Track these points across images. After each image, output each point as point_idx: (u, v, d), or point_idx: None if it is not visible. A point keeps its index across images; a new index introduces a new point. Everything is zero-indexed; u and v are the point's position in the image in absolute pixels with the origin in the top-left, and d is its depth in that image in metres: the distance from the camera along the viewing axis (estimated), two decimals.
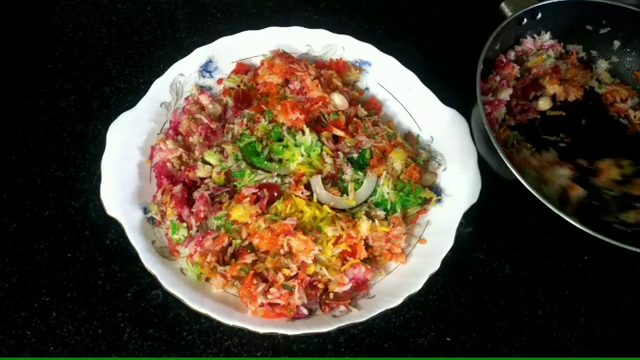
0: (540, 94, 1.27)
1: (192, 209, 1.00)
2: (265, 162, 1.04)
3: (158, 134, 1.09)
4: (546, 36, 1.31)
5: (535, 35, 1.30)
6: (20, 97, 1.22)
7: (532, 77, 1.28)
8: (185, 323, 0.98)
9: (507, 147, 1.17)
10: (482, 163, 1.06)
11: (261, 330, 0.87)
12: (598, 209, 1.07)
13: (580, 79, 1.29)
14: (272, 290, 0.91)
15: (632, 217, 1.07)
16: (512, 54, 1.28)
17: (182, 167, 1.05)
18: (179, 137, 1.10)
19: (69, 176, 1.13)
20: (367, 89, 1.22)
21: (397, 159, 1.06)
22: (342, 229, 0.98)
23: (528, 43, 1.29)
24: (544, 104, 1.25)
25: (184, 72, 1.14)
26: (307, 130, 1.06)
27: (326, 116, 1.11)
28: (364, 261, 0.98)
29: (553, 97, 1.27)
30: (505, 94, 1.21)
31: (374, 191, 1.05)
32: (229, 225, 0.97)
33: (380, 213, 1.03)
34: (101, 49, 1.32)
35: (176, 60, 1.14)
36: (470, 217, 1.03)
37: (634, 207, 1.08)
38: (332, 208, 1.01)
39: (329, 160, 1.05)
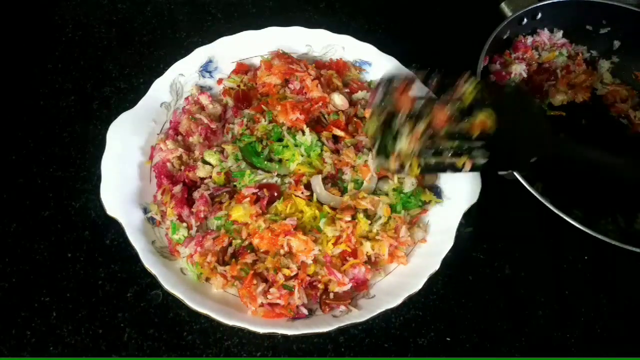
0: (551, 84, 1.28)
1: (192, 209, 1.00)
2: (265, 162, 1.04)
3: (158, 134, 1.09)
4: (559, 34, 1.31)
5: (550, 31, 1.31)
6: (20, 97, 1.22)
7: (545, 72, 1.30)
8: (185, 323, 0.98)
9: None
10: None
11: (261, 330, 0.87)
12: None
13: (588, 81, 1.29)
14: (272, 290, 0.91)
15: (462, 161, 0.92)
16: (529, 40, 1.29)
17: (182, 167, 1.05)
18: (179, 137, 1.10)
19: (69, 176, 1.13)
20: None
21: None
22: (342, 229, 0.98)
23: (544, 35, 1.30)
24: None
25: (184, 72, 1.14)
26: (307, 130, 1.05)
27: (326, 116, 1.11)
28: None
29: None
30: (517, 68, 1.22)
31: (374, 192, 1.05)
32: (229, 225, 0.97)
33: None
34: (101, 49, 1.32)
35: (176, 60, 1.14)
36: (470, 217, 1.03)
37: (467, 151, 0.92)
38: (332, 208, 1.01)
39: (329, 160, 1.05)
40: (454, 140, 0.89)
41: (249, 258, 0.94)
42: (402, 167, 0.92)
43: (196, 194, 1.02)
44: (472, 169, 0.90)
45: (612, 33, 1.29)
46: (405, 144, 0.90)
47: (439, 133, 0.89)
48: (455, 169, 0.90)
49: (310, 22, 1.29)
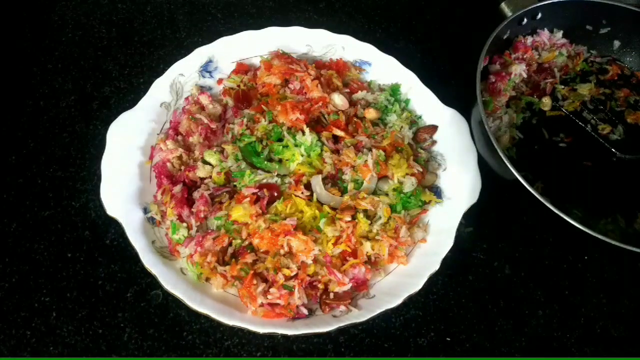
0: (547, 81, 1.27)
1: (192, 209, 1.00)
2: (265, 162, 1.04)
3: (158, 134, 1.09)
4: (559, 34, 1.31)
5: (550, 31, 1.31)
6: (20, 97, 1.22)
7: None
8: (185, 323, 0.98)
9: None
10: (482, 163, 1.06)
11: (261, 330, 0.87)
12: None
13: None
14: (272, 290, 0.91)
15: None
16: (529, 40, 1.29)
17: (182, 167, 1.05)
18: (179, 137, 1.10)
19: (69, 176, 1.13)
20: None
21: (397, 172, 1.04)
22: (342, 229, 0.98)
23: (544, 35, 1.29)
24: (545, 104, 1.25)
25: (184, 72, 1.14)
26: (307, 130, 1.05)
27: (326, 116, 1.11)
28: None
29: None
30: (517, 68, 1.22)
31: (374, 192, 1.05)
32: (229, 225, 0.97)
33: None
34: (101, 49, 1.32)
35: (176, 60, 1.14)
36: (470, 217, 1.03)
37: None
38: (332, 208, 1.01)
39: (329, 160, 1.05)
40: (608, 114, 1.16)
41: (249, 258, 0.94)
42: (564, 99, 1.19)
43: (196, 194, 1.02)
44: (605, 139, 1.13)
45: (612, 33, 1.29)
46: (585, 89, 1.20)
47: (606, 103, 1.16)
48: (594, 129, 1.15)
49: (310, 22, 1.29)
